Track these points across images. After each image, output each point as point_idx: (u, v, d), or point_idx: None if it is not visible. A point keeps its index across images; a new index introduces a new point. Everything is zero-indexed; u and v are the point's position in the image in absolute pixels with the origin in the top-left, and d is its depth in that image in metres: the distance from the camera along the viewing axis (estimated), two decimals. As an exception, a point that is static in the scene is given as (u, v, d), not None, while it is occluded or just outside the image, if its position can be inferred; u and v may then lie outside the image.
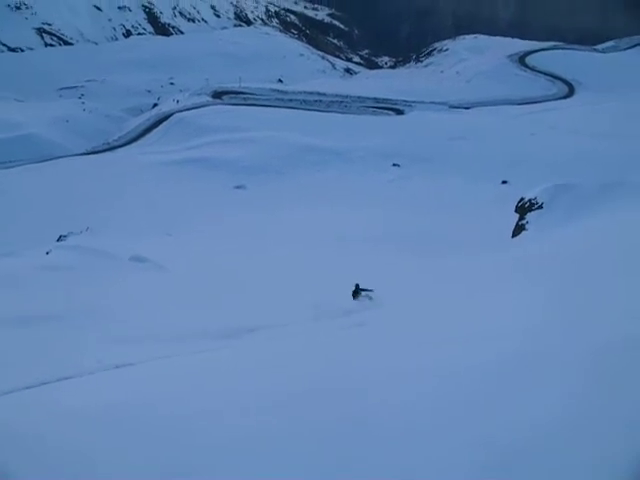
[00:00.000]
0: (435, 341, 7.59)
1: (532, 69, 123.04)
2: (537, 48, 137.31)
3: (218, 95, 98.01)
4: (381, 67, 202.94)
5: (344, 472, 4.51)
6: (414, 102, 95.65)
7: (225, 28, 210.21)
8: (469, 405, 5.04)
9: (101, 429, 6.07)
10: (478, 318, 8.88)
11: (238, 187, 57.90)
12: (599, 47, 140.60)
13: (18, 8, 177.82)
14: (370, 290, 16.98)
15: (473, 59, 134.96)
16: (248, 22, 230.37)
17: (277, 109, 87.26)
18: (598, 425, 4.17)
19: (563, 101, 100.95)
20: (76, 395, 8.11)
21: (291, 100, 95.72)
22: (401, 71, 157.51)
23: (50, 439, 5.79)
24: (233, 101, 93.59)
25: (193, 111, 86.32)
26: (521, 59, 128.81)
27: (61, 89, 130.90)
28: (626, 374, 4.90)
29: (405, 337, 8.57)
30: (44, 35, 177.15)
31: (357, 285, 18.45)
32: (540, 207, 25.89)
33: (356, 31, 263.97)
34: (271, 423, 5.48)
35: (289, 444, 4.95)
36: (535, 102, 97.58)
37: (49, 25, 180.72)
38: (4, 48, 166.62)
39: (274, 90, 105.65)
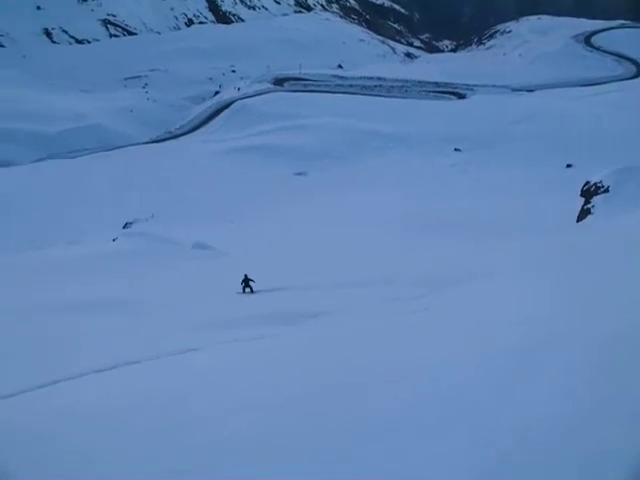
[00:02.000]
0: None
1: (598, 49, 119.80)
2: (604, 27, 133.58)
3: (279, 82, 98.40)
4: (442, 51, 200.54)
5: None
6: (475, 86, 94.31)
7: (285, 15, 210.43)
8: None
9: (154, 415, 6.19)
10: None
11: (299, 174, 58.21)
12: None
13: (85, 0, 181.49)
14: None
15: (536, 40, 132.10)
16: (308, 8, 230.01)
17: (337, 95, 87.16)
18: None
19: (630, 82, 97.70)
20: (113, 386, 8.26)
21: (351, 86, 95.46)
22: (462, 54, 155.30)
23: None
24: (294, 88, 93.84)
25: (254, 98, 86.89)
26: (586, 39, 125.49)
27: (126, 79, 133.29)
28: None
29: (457, 324, 8.43)
30: (109, 26, 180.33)
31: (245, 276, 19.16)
32: (606, 191, 25.29)
33: (417, 15, 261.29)
34: (318, 410, 5.38)
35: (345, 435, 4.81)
36: (600, 83, 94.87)
37: (114, 16, 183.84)
38: (72, 40, 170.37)
39: (334, 76, 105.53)
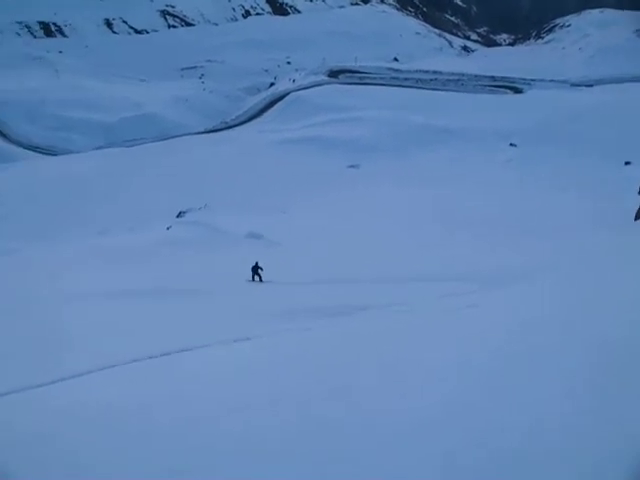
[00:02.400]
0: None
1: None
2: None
3: (334, 74, 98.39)
4: (499, 45, 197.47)
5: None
6: (533, 80, 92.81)
7: (342, 7, 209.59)
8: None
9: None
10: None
11: (352, 166, 58.25)
12: None
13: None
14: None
15: (597, 34, 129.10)
16: (365, 0, 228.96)
17: (392, 88, 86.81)
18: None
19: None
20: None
21: (406, 79, 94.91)
22: (520, 48, 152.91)
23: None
24: (349, 80, 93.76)
25: (309, 90, 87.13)
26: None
27: (182, 69, 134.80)
28: None
29: (502, 323, 8.16)
30: (167, 17, 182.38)
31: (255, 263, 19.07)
32: (667, 189, 24.85)
33: (474, 8, 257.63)
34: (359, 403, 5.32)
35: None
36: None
37: (172, 7, 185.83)
38: (131, 30, 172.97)
39: (389, 69, 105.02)
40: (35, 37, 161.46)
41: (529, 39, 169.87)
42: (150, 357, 9.45)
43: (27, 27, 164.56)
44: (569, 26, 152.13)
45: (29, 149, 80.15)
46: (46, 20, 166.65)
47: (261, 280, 19.76)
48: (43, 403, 7.24)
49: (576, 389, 4.67)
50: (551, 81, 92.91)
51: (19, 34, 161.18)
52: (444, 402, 4.94)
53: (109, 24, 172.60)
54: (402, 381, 5.75)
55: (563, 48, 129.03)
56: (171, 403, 6.11)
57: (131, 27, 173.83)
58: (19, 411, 6.93)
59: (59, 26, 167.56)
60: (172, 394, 6.53)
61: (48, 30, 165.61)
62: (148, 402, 6.33)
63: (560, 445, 3.94)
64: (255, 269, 19.83)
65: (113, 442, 5.33)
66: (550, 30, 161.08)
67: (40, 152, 79.09)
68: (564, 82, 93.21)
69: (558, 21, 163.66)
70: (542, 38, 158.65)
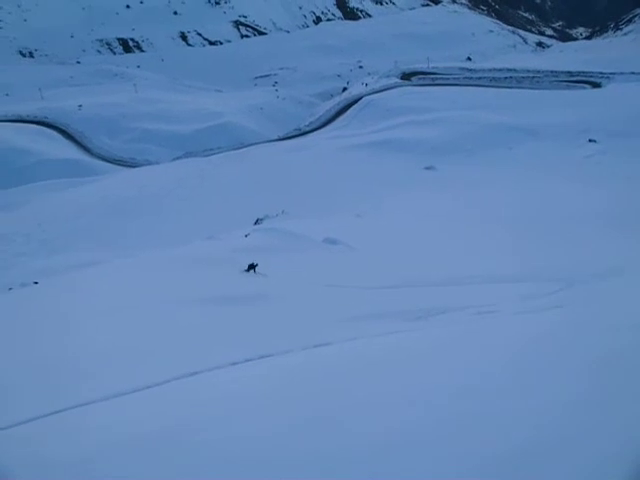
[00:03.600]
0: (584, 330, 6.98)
1: None
2: None
3: (407, 76, 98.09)
4: (576, 39, 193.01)
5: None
6: (612, 74, 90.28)
7: (413, 8, 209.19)
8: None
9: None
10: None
11: (428, 168, 57.83)
12: None
13: (217, 3, 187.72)
14: None
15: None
16: (436, 1, 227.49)
17: (466, 88, 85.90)
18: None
19: None
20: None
21: (480, 78, 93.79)
22: (598, 42, 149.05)
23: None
24: (422, 82, 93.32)
25: (382, 93, 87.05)
26: None
27: (256, 78, 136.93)
28: None
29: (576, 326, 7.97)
30: (240, 27, 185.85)
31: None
32: None
33: (549, 2, 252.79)
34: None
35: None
36: None
37: (244, 17, 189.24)
38: (205, 42, 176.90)
39: (462, 69, 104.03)
40: (115, 54, 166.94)
41: (607, 31, 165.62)
42: (233, 363, 9.44)
43: (107, 44, 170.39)
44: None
45: (111, 162, 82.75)
46: (125, 37, 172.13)
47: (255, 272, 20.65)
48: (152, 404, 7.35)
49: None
50: (631, 73, 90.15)
51: (100, 51, 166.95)
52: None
53: (184, 37, 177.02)
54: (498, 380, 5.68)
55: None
56: (237, 417, 5.99)
57: (205, 39, 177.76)
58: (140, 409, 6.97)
59: (137, 42, 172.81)
60: (240, 407, 6.43)
61: (127, 46, 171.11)
62: (225, 414, 6.19)
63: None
64: (251, 266, 20.79)
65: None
66: (629, 21, 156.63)
67: (121, 164, 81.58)
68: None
69: (638, 11, 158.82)
70: (621, 30, 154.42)
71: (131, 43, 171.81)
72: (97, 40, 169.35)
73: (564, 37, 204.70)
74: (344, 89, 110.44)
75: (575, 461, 3.79)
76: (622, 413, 4.35)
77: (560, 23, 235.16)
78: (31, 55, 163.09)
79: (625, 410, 4.39)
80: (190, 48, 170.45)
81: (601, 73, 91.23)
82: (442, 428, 4.77)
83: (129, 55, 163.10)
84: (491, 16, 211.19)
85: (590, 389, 4.97)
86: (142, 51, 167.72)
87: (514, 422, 4.57)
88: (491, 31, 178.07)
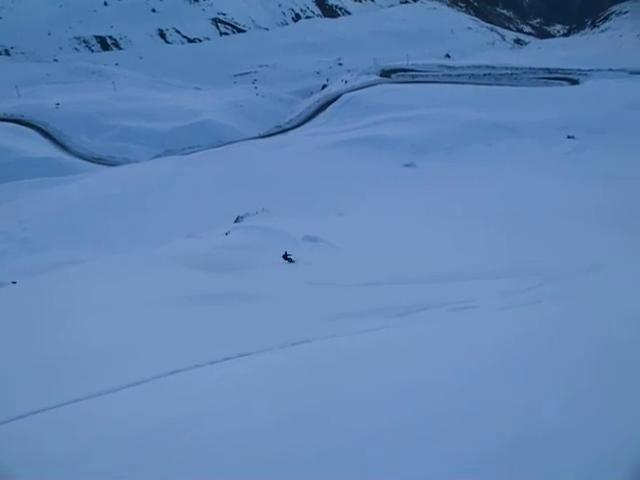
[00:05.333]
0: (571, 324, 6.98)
1: None
2: None
3: (386, 74, 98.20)
4: (553, 36, 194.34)
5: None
6: (590, 70, 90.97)
7: (392, 6, 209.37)
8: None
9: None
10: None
11: (407, 165, 57.95)
12: None
13: (196, 1, 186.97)
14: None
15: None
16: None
17: (445, 85, 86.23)
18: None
19: None
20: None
21: (459, 75, 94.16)
22: (575, 39, 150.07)
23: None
24: (401, 79, 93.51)
25: (361, 91, 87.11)
26: None
27: (235, 75, 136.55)
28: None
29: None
30: (219, 25, 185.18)
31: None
32: None
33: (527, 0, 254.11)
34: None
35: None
36: None
37: (223, 15, 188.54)
38: (184, 40, 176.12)
39: (442, 66, 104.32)
40: (92, 51, 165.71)
41: (584, 28, 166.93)
42: (212, 362, 9.29)
43: (85, 42, 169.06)
44: (626, 13, 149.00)
45: (90, 161, 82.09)
46: (102, 34, 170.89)
47: None
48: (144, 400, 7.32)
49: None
50: (608, 70, 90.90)
51: (77, 49, 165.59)
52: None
53: (162, 34, 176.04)
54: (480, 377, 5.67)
55: (620, 36, 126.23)
56: (225, 414, 5.95)
57: (184, 36, 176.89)
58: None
59: (115, 39, 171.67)
60: (227, 404, 6.39)
61: (105, 44, 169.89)
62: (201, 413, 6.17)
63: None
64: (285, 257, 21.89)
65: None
66: (606, 18, 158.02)
67: (100, 163, 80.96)
68: (622, 71, 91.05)
69: (615, 8, 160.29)
70: (598, 27, 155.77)
71: (109, 41, 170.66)
72: (74, 38, 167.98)
73: (542, 34, 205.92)
74: (324, 86, 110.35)
75: (573, 460, 3.81)
76: (621, 411, 4.37)
77: (538, 20, 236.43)
78: (7, 53, 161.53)
79: (624, 408, 4.41)
80: (169, 46, 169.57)
81: (579, 70, 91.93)
82: (429, 425, 4.79)
83: (107, 53, 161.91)
84: (469, 13, 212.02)
85: (588, 386, 4.97)
86: (120, 49, 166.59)
87: (506, 420, 4.58)
88: (470, 28, 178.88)
